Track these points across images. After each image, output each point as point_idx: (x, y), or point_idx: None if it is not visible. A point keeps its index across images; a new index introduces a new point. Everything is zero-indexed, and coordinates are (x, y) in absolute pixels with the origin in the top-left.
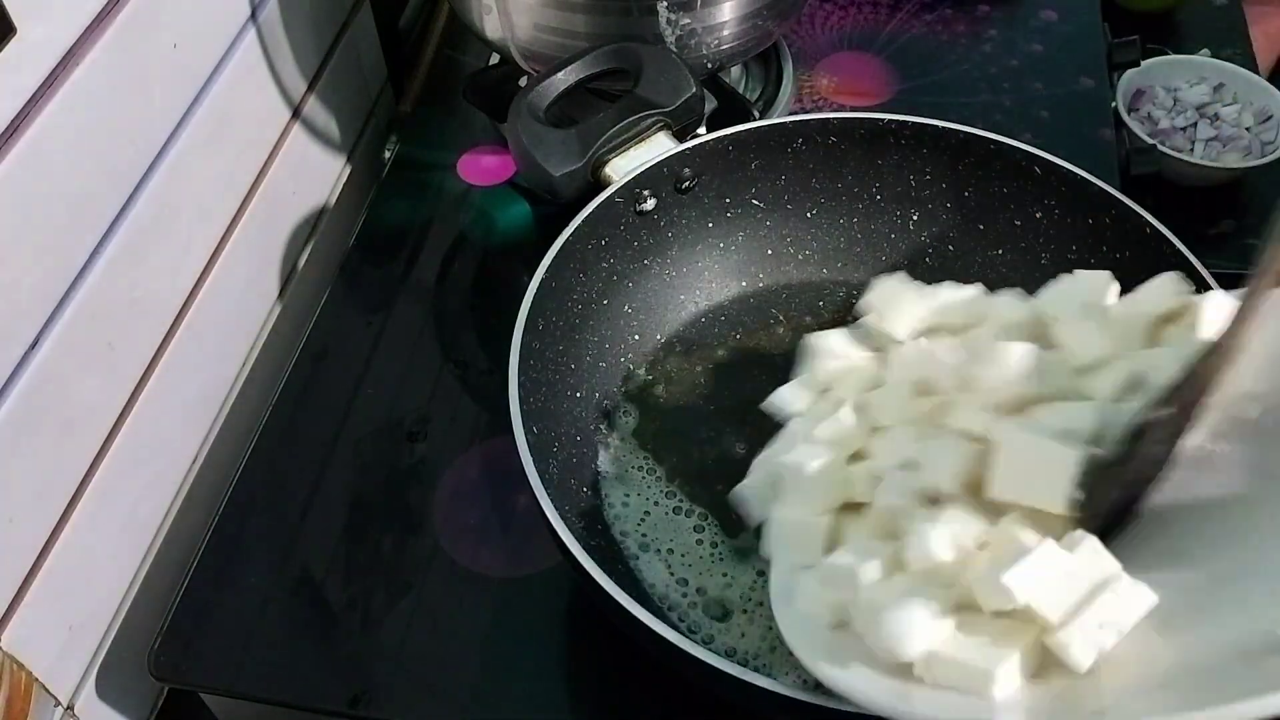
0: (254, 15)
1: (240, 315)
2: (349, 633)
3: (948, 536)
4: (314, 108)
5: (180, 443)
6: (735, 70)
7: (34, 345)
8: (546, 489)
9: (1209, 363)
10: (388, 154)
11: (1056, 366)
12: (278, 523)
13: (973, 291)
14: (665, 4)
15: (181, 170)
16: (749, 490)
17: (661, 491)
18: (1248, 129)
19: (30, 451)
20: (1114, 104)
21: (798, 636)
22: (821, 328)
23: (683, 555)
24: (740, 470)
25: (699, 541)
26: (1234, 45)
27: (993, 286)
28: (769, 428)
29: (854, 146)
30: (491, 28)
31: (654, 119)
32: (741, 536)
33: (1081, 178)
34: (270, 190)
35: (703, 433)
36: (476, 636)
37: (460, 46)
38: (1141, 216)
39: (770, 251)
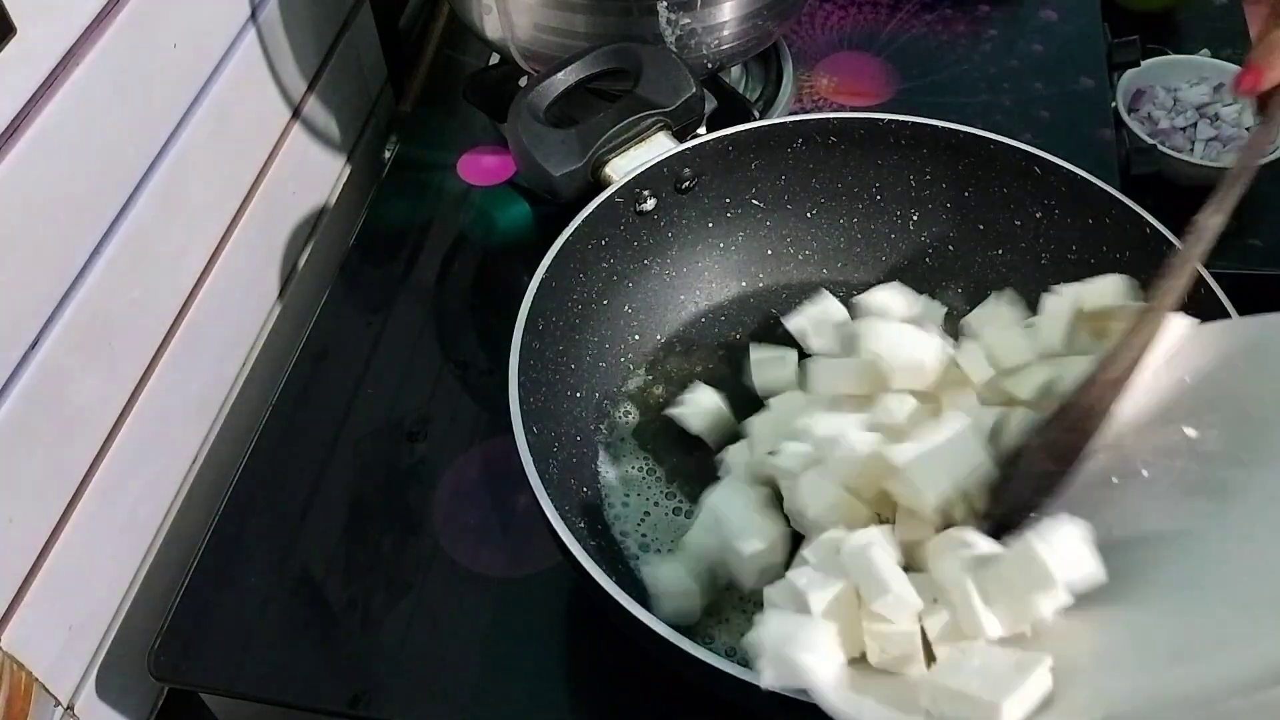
0: (254, 15)
1: (240, 315)
2: (349, 633)
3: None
4: (314, 108)
5: (180, 443)
6: (735, 70)
7: (34, 345)
8: (546, 489)
9: (1089, 390)
10: (388, 154)
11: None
12: (278, 523)
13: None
14: (665, 4)
15: (181, 170)
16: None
17: (661, 492)
18: (1248, 129)
19: (30, 451)
20: (1114, 104)
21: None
22: None
23: None
24: None
25: None
26: (1234, 45)
27: (993, 287)
28: None
29: (854, 146)
30: (491, 28)
31: (654, 119)
32: None
33: (1081, 178)
34: (270, 190)
35: None
36: (476, 636)
37: (460, 46)
38: (1141, 216)
39: (770, 251)
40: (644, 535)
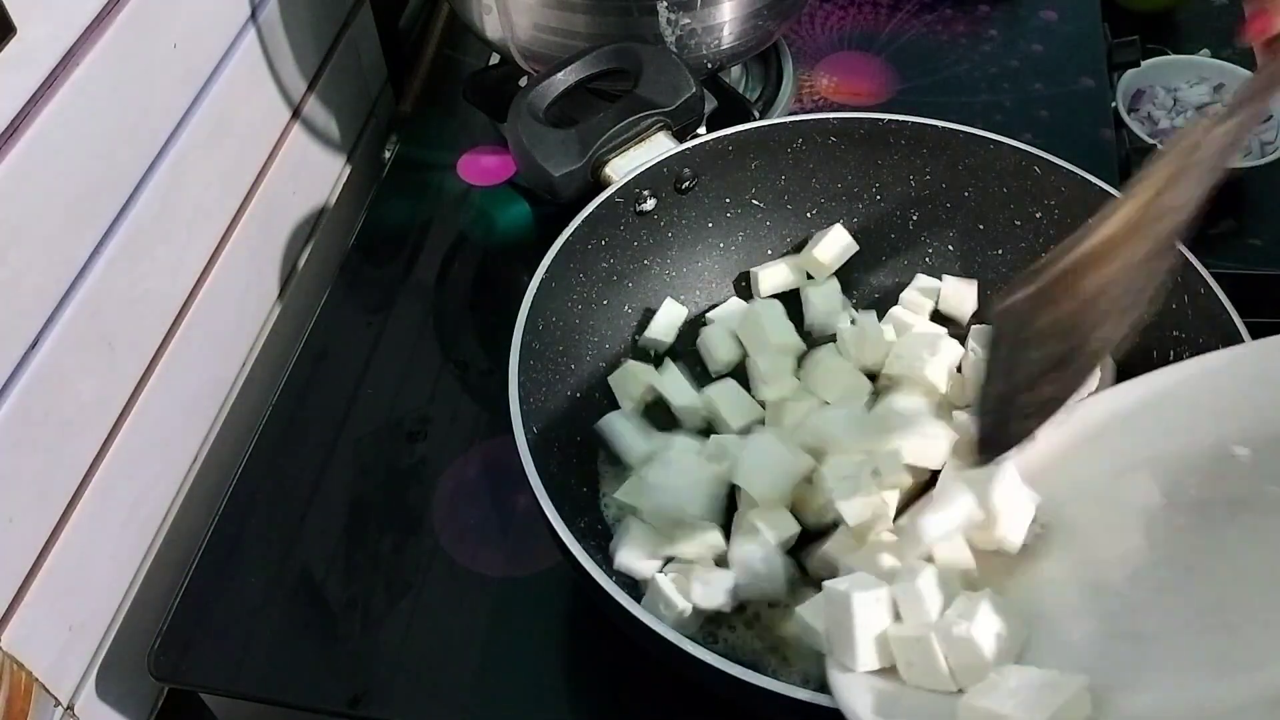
0: (254, 15)
1: (240, 315)
2: (349, 633)
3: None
4: (314, 108)
5: (180, 442)
6: (735, 70)
7: (34, 344)
8: (546, 489)
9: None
10: (388, 154)
11: None
12: (278, 523)
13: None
14: (665, 4)
15: (181, 170)
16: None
17: None
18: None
19: (30, 451)
20: (1114, 104)
21: (860, 698)
22: None
23: None
24: None
25: None
26: (1234, 45)
27: (993, 286)
28: None
29: (854, 146)
30: (491, 28)
31: (654, 119)
32: None
33: (1081, 178)
34: (270, 190)
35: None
36: (476, 636)
37: (460, 46)
38: None
39: (770, 251)
40: None
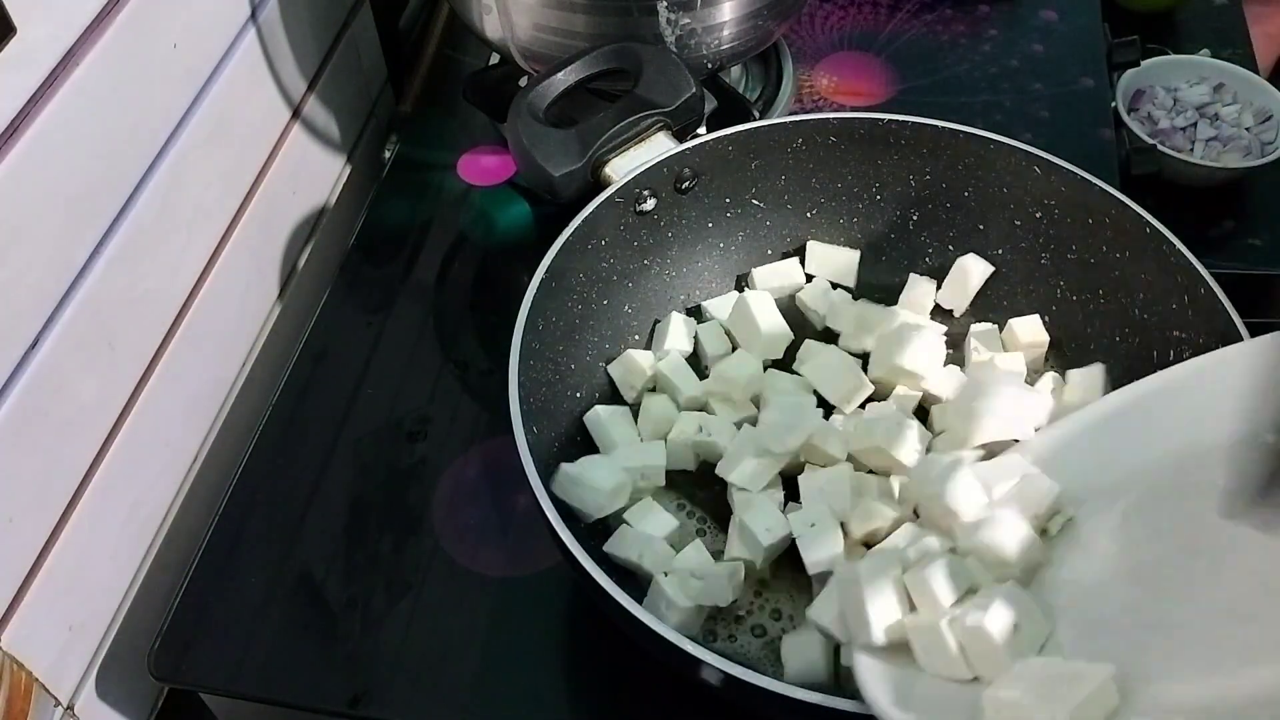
0: (254, 15)
1: (240, 315)
2: (349, 633)
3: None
4: (314, 108)
5: (180, 442)
6: (735, 70)
7: (34, 345)
8: (546, 489)
9: None
10: (388, 154)
11: None
12: (278, 523)
13: None
14: (665, 4)
15: (181, 170)
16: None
17: (662, 491)
18: (1248, 129)
19: (30, 451)
20: (1114, 104)
21: (879, 686)
22: None
23: None
24: None
25: None
26: (1234, 45)
27: (993, 286)
28: None
29: (854, 146)
30: (491, 28)
31: (654, 119)
32: None
33: (1081, 178)
34: (270, 190)
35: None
36: (476, 636)
37: (460, 46)
38: (1141, 216)
39: (770, 251)
40: None
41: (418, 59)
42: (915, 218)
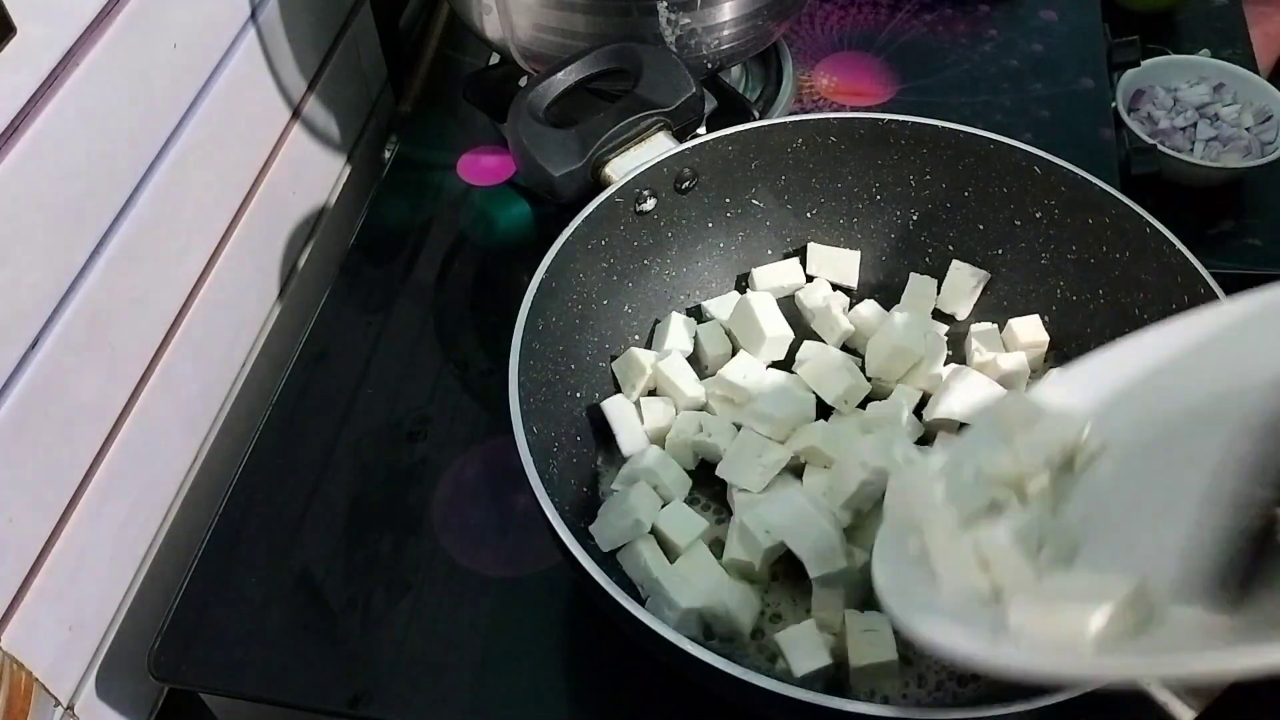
0: (254, 15)
1: (240, 315)
2: (349, 633)
3: None
4: (314, 108)
5: (180, 443)
6: (735, 70)
7: (34, 345)
8: (546, 489)
9: None
10: (388, 154)
11: None
12: (278, 523)
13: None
14: (665, 4)
15: (181, 170)
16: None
17: None
18: (1248, 129)
19: (30, 451)
20: (1114, 104)
21: (896, 594)
22: None
23: None
24: None
25: None
26: (1234, 45)
27: (993, 286)
28: None
29: (854, 146)
30: (491, 28)
31: (654, 119)
32: None
33: (1081, 178)
34: (270, 190)
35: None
36: (476, 636)
37: (460, 46)
38: (1141, 216)
39: (770, 251)
40: None
41: (418, 59)
42: (915, 218)
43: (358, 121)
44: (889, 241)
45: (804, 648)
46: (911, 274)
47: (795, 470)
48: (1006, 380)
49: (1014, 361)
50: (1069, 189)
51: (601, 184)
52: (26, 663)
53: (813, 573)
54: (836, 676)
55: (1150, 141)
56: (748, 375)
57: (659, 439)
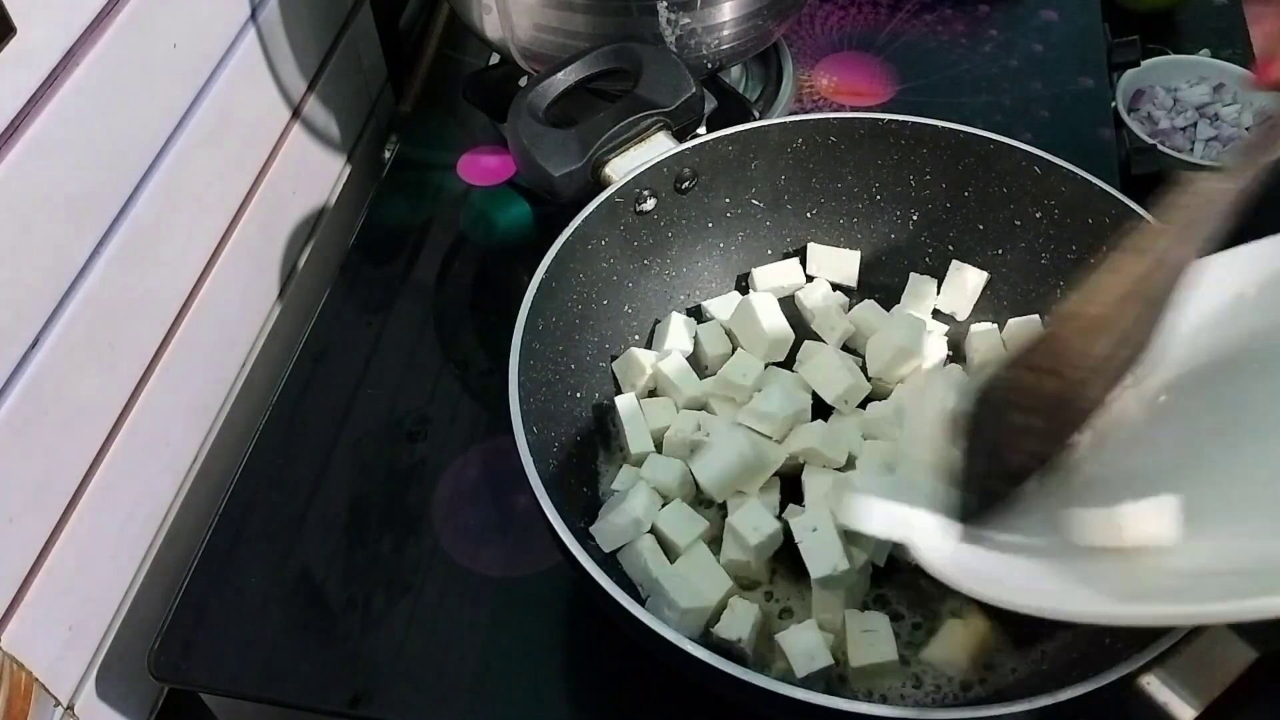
0: (254, 15)
1: (240, 315)
2: (349, 633)
3: None
4: (314, 108)
5: (180, 443)
6: (735, 70)
7: (34, 345)
8: (546, 489)
9: (1064, 325)
10: (388, 154)
11: None
12: (278, 523)
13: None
14: (665, 4)
15: (181, 170)
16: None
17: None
18: (1247, 129)
19: (30, 451)
20: (1114, 104)
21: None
22: None
23: None
24: None
25: None
26: (1234, 45)
27: (993, 286)
28: None
29: (854, 146)
30: (491, 28)
31: (654, 119)
32: None
33: (1081, 178)
34: (270, 190)
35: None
36: (476, 636)
37: (460, 46)
38: (1142, 217)
39: (770, 251)
40: None
41: (418, 59)
42: (915, 218)
43: (358, 121)
44: (889, 241)
45: (804, 648)
46: (911, 274)
47: (793, 471)
48: None
49: None
50: (1069, 189)
51: (601, 184)
52: (26, 663)
53: (814, 574)
54: (837, 676)
55: (1150, 141)
56: (747, 374)
57: (658, 439)
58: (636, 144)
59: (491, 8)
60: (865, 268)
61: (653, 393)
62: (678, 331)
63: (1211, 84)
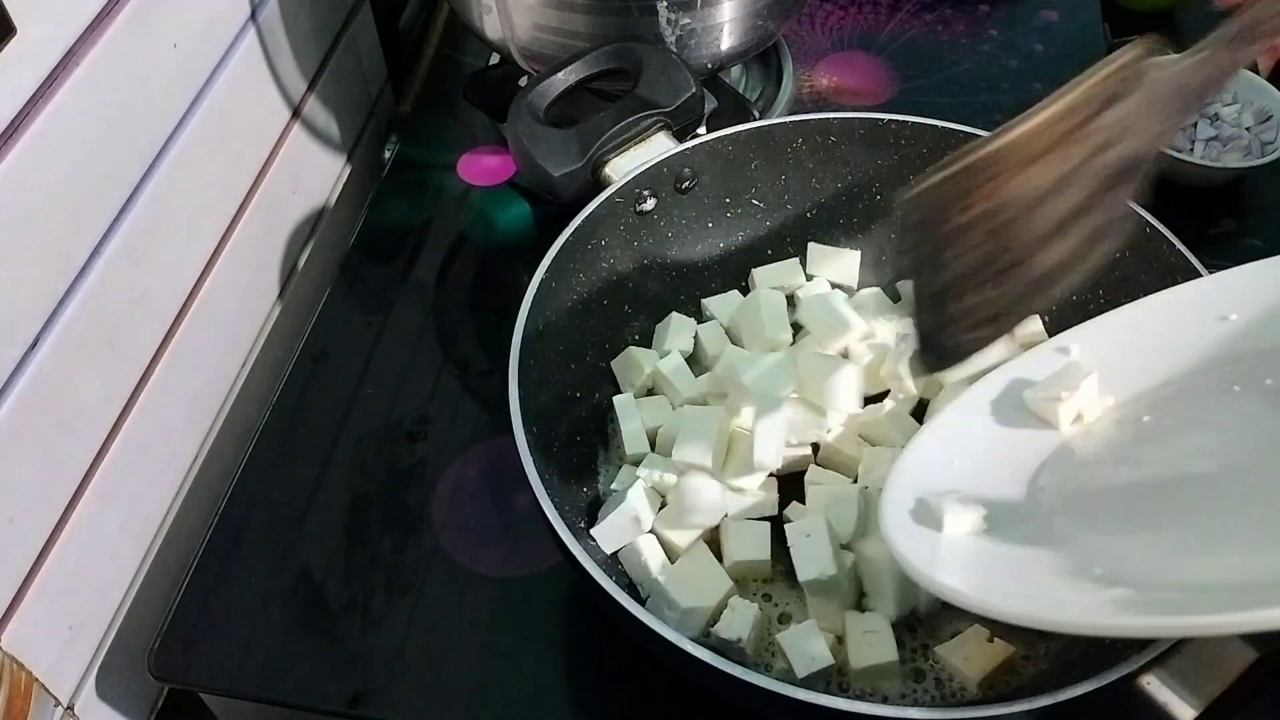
0: (254, 15)
1: (240, 315)
2: (349, 633)
3: None
4: (314, 108)
5: (180, 442)
6: (735, 70)
7: (34, 345)
8: (546, 489)
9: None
10: (388, 154)
11: None
12: (278, 523)
13: None
14: (665, 4)
15: (181, 170)
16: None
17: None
18: (1248, 129)
19: (30, 451)
20: None
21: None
22: None
23: None
24: None
25: None
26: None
27: None
28: None
29: (854, 146)
30: (491, 28)
31: (654, 119)
32: None
33: None
34: (270, 190)
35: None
36: (476, 636)
37: (460, 46)
38: (1141, 216)
39: (770, 252)
40: None
41: (418, 59)
42: None
43: (358, 121)
44: (889, 242)
45: (805, 648)
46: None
47: (794, 471)
48: None
49: None
50: None
51: (601, 184)
52: (26, 663)
53: (801, 577)
54: (837, 676)
55: None
56: (746, 372)
57: (653, 437)
58: (636, 144)
59: (491, 8)
60: (865, 268)
61: (651, 391)
62: (677, 331)
63: None
